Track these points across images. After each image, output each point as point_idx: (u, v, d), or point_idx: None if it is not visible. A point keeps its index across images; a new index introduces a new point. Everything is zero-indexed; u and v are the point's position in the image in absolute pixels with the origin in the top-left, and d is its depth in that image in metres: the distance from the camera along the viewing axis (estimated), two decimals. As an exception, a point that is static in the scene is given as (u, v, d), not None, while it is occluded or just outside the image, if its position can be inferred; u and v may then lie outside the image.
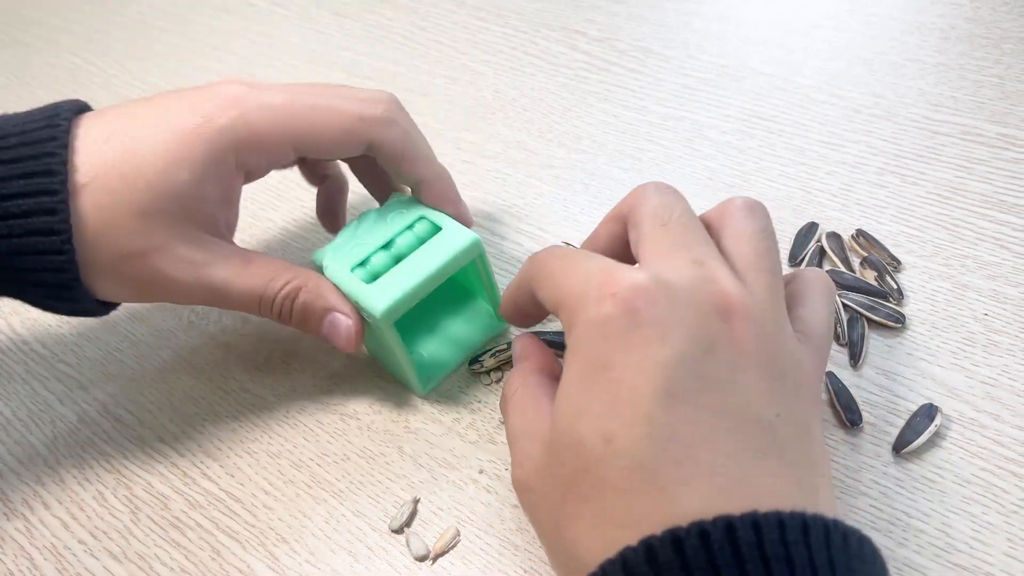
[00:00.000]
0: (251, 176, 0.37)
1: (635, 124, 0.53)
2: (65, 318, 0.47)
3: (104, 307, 0.37)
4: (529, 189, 0.50)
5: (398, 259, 0.36)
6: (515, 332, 0.42)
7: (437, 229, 0.37)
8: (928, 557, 0.31)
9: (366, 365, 0.41)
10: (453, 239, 0.36)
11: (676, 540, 0.22)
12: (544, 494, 0.28)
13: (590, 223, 0.47)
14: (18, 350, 0.46)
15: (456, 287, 0.43)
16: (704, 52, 0.57)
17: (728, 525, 0.22)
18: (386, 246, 0.37)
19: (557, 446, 0.27)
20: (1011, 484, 0.33)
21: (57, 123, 0.33)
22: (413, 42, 0.64)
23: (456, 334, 0.42)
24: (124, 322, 0.46)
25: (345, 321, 0.36)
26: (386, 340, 0.36)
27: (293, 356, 0.42)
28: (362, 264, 0.37)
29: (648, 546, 0.22)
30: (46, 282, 0.33)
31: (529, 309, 0.34)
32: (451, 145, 0.54)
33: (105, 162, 0.33)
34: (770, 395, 0.26)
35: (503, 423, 0.36)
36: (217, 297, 0.35)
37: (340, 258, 0.37)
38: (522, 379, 0.32)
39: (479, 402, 0.39)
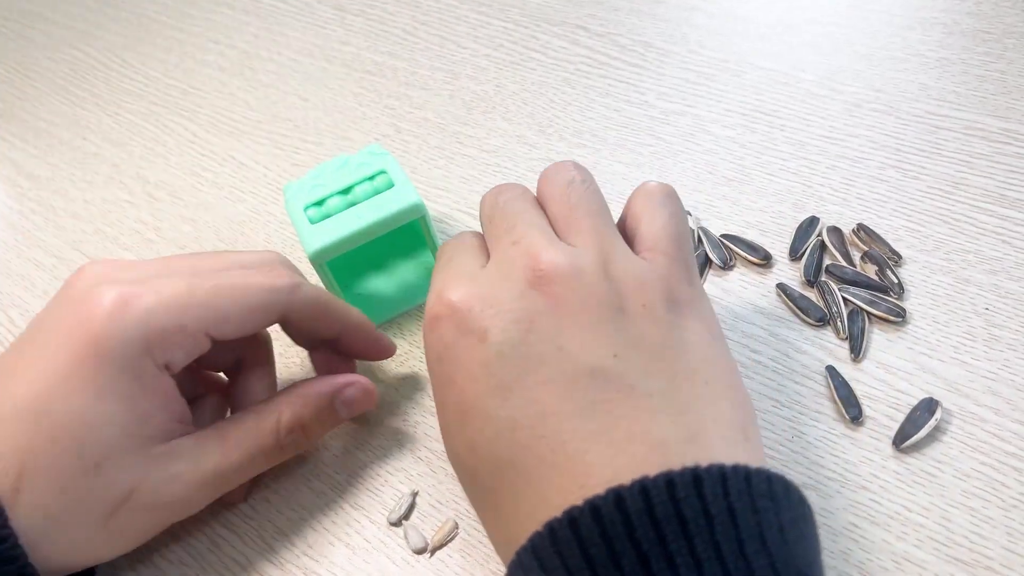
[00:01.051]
0: (172, 368, 0.30)
1: (636, 119, 0.53)
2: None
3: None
4: (530, 183, 0.50)
5: (352, 205, 0.39)
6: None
7: (392, 185, 0.40)
8: (928, 551, 0.31)
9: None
10: (399, 197, 0.39)
11: (551, 530, 0.23)
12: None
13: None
14: (18, 343, 0.46)
15: (416, 240, 0.45)
16: (705, 47, 0.57)
17: (592, 508, 0.22)
18: (344, 191, 0.40)
19: (451, 457, 0.30)
20: (1011, 478, 0.33)
21: None
22: (414, 36, 0.64)
23: (403, 283, 0.45)
24: (124, 315, 0.46)
25: (351, 391, 0.35)
26: (325, 278, 0.40)
27: (290, 347, 0.42)
28: (318, 204, 0.40)
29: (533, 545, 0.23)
30: None
31: None
32: (452, 139, 0.54)
33: (24, 444, 0.28)
34: (603, 339, 0.26)
35: None
36: (221, 483, 0.32)
37: (301, 194, 0.40)
38: None
39: (478, 395, 0.39)
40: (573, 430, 0.24)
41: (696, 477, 0.22)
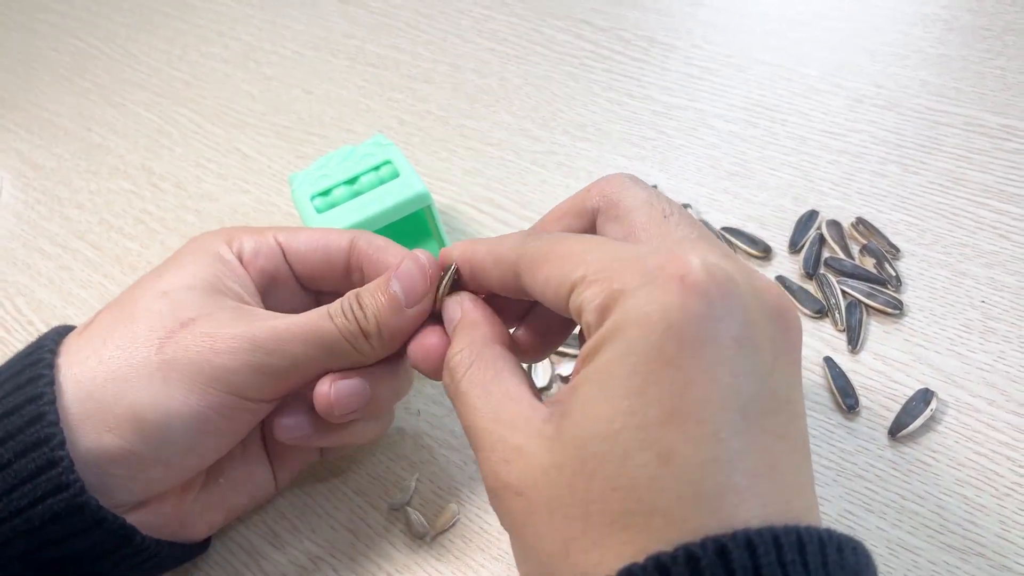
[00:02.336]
0: (244, 257, 0.33)
1: (639, 113, 0.53)
2: (69, 299, 0.48)
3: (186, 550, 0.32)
4: (532, 176, 0.50)
5: (357, 195, 0.40)
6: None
7: (397, 175, 0.40)
8: (922, 538, 0.32)
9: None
10: (404, 187, 0.39)
11: (692, 557, 0.19)
12: (549, 506, 0.22)
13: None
14: (23, 330, 0.46)
15: (422, 231, 0.45)
16: (709, 42, 0.57)
17: (774, 539, 0.19)
18: (350, 181, 0.40)
19: (583, 453, 0.21)
20: (1005, 467, 0.33)
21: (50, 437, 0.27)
22: (417, 29, 0.64)
23: None
24: (129, 303, 0.47)
25: (406, 263, 0.30)
26: None
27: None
28: (324, 193, 0.40)
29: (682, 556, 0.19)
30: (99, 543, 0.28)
31: (488, 285, 0.29)
32: (455, 132, 0.54)
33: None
34: (804, 408, 0.23)
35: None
36: (276, 347, 0.29)
37: (307, 184, 0.41)
38: (474, 351, 0.27)
39: (480, 384, 0.39)
40: (780, 496, 0.21)
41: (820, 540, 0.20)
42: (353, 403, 0.30)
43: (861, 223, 0.43)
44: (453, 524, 0.35)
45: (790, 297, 0.24)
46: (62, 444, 0.26)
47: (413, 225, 0.44)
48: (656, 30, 0.59)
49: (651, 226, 0.26)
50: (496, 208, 0.48)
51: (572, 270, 0.24)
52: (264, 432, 0.34)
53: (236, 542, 0.35)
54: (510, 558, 0.33)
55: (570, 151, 0.51)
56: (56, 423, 0.26)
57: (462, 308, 0.29)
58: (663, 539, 0.20)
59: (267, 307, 0.33)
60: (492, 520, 0.34)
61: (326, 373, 0.30)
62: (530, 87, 0.57)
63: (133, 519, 0.28)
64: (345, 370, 0.30)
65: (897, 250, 0.42)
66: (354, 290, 0.30)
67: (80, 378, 0.28)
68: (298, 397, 0.32)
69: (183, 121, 0.60)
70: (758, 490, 0.20)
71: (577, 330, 0.35)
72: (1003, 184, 0.44)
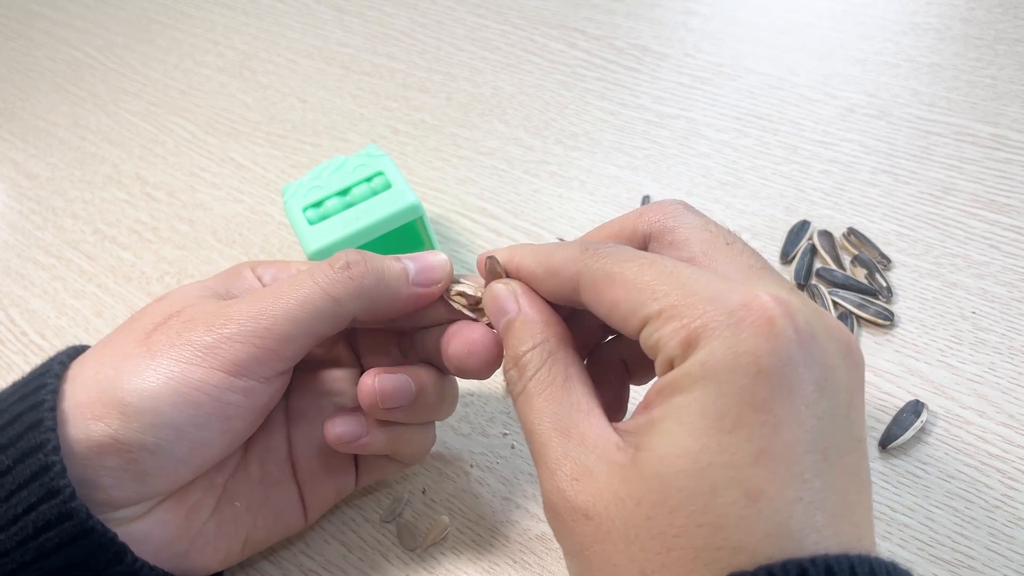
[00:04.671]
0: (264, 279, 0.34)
1: (632, 122, 0.53)
2: (63, 309, 0.48)
3: None
4: (525, 185, 0.50)
5: (350, 206, 0.40)
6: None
7: (390, 186, 0.40)
8: (912, 551, 0.32)
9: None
10: (396, 198, 0.40)
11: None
12: (624, 535, 0.22)
13: (585, 219, 0.47)
14: (17, 341, 0.46)
15: (414, 240, 0.45)
16: (701, 51, 0.58)
17: (851, 567, 0.20)
18: (343, 192, 0.41)
19: (665, 487, 0.22)
20: (994, 480, 0.33)
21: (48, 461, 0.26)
22: (412, 38, 0.64)
23: None
24: (123, 314, 0.47)
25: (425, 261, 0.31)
26: None
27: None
28: (316, 205, 0.41)
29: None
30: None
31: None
32: (448, 141, 0.54)
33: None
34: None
35: (515, 412, 0.30)
36: (271, 324, 0.28)
37: (300, 196, 0.41)
38: (546, 351, 0.26)
39: (471, 395, 0.39)
40: (855, 532, 0.22)
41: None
42: (397, 397, 0.30)
43: (852, 233, 0.43)
44: (445, 536, 0.35)
45: (850, 333, 0.24)
46: (56, 449, 0.26)
47: (406, 236, 0.44)
48: (648, 39, 0.59)
49: (714, 253, 0.26)
50: (489, 218, 0.48)
51: (645, 302, 0.24)
52: (292, 453, 0.33)
53: (228, 555, 0.35)
54: (501, 571, 0.33)
55: (563, 160, 0.51)
56: (52, 428, 0.26)
57: (519, 301, 0.28)
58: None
59: None
60: (484, 533, 0.35)
61: (311, 338, 0.29)
62: (523, 96, 0.57)
63: (138, 529, 0.28)
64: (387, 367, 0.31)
65: (888, 260, 0.42)
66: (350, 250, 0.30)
67: (77, 378, 0.28)
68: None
69: (177, 130, 0.60)
70: (836, 528, 0.21)
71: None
72: (994, 194, 0.44)
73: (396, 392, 0.30)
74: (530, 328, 0.27)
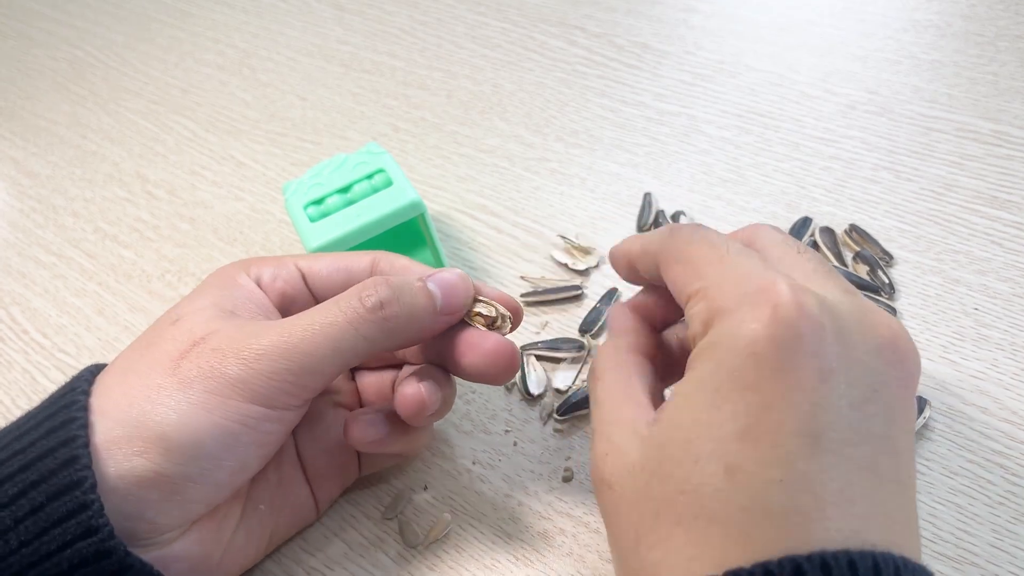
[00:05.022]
0: (263, 283, 0.33)
1: (632, 119, 0.53)
2: (64, 308, 0.48)
3: None
4: (526, 183, 0.50)
5: (350, 204, 0.40)
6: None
7: (391, 183, 0.40)
8: (914, 547, 0.32)
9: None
10: (397, 196, 0.39)
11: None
12: (630, 501, 0.24)
13: (586, 217, 0.47)
14: (18, 339, 0.46)
15: (416, 238, 0.45)
16: (701, 48, 0.58)
17: (850, 563, 0.20)
18: (343, 190, 0.41)
19: (662, 455, 0.23)
20: (997, 476, 0.33)
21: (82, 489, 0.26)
22: (412, 36, 0.64)
23: None
24: (124, 312, 0.47)
25: (443, 274, 0.31)
26: None
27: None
28: (317, 202, 0.40)
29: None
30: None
31: (641, 275, 0.30)
32: (449, 139, 0.54)
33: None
34: (912, 449, 0.24)
35: (588, 400, 0.32)
36: (300, 349, 0.28)
37: (300, 193, 0.41)
38: (615, 357, 0.29)
39: (473, 393, 0.39)
40: (853, 526, 0.21)
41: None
42: (437, 402, 0.31)
43: (854, 230, 0.43)
44: (446, 534, 0.35)
45: (908, 335, 0.24)
46: (93, 487, 0.26)
47: (407, 233, 0.44)
48: (649, 36, 0.59)
49: (784, 256, 0.27)
50: (490, 215, 0.48)
51: (691, 281, 0.26)
52: (300, 454, 0.34)
53: (230, 552, 0.35)
54: (503, 568, 0.33)
55: (563, 158, 0.51)
56: (88, 466, 0.26)
57: (617, 316, 0.31)
58: (720, 548, 0.21)
59: None
60: (486, 530, 0.34)
61: (341, 371, 0.30)
62: (523, 93, 0.57)
63: (178, 548, 0.29)
64: (417, 373, 0.31)
65: (890, 257, 0.42)
66: (375, 278, 0.30)
67: (106, 410, 0.28)
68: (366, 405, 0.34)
69: (178, 128, 0.60)
70: (824, 514, 0.21)
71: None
72: (995, 190, 0.44)
73: (435, 402, 0.31)
74: (612, 335, 0.31)
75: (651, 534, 0.23)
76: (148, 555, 0.28)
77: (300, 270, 0.34)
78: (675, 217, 0.46)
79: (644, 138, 0.52)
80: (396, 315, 0.29)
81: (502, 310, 0.32)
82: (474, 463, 0.37)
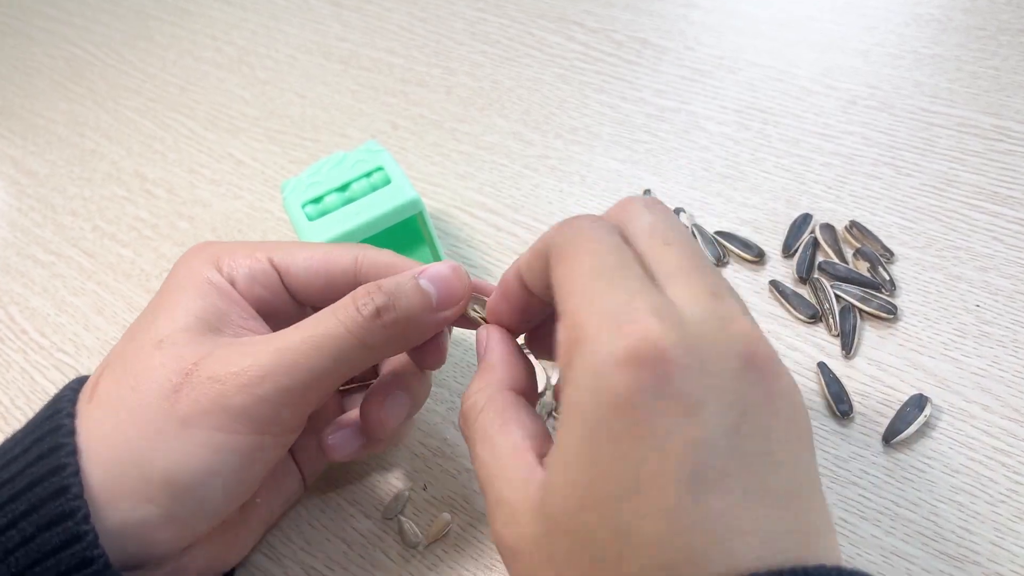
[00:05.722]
0: (239, 285, 0.31)
1: (631, 115, 0.53)
2: (63, 307, 0.48)
3: None
4: (525, 180, 0.50)
5: (349, 202, 0.40)
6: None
7: (389, 181, 0.40)
8: (916, 545, 0.32)
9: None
10: (396, 194, 0.39)
11: None
12: (538, 571, 0.23)
13: (586, 214, 0.47)
14: (17, 339, 0.46)
15: (414, 236, 0.45)
16: (701, 43, 0.57)
17: None
18: (342, 188, 0.40)
19: (556, 530, 0.22)
20: (999, 474, 0.33)
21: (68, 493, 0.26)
22: (411, 32, 0.64)
23: None
24: (123, 312, 0.47)
25: (436, 268, 0.30)
26: None
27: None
28: (315, 201, 0.40)
29: None
30: None
31: (529, 296, 0.28)
32: (448, 136, 0.54)
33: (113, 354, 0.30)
34: (801, 455, 0.23)
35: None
36: (294, 362, 0.28)
37: (299, 192, 0.41)
38: (486, 396, 0.28)
39: (473, 392, 0.39)
40: (760, 552, 0.21)
41: None
42: (401, 415, 0.31)
43: (855, 226, 0.43)
44: (446, 534, 0.35)
45: (765, 341, 0.23)
46: (86, 518, 0.25)
47: (405, 231, 0.44)
48: (648, 32, 0.59)
49: (648, 251, 0.25)
50: (489, 212, 0.48)
51: (562, 297, 0.24)
52: None
53: (229, 553, 0.35)
54: (503, 568, 0.33)
55: (563, 154, 0.51)
56: (80, 495, 0.25)
57: (489, 342, 0.30)
58: None
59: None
60: (485, 530, 0.34)
61: (342, 382, 0.30)
62: (522, 89, 0.56)
63: (186, 559, 0.29)
64: (383, 388, 0.32)
65: (891, 253, 0.41)
66: (367, 285, 0.29)
67: (103, 459, 0.27)
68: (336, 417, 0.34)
69: (176, 127, 0.59)
70: (723, 549, 0.20)
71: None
72: (997, 186, 0.44)
73: (399, 411, 0.31)
74: (478, 374, 0.29)
75: None
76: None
77: (276, 269, 0.32)
78: (675, 213, 0.45)
79: (643, 134, 0.51)
80: (395, 320, 0.29)
81: None
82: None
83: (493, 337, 0.30)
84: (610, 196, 0.48)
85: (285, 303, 0.32)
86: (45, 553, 0.25)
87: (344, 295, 0.29)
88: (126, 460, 0.27)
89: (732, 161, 0.48)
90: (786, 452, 0.22)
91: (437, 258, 0.43)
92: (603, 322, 0.22)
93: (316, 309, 0.31)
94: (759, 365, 0.22)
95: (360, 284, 0.30)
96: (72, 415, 0.28)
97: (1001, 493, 0.33)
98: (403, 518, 0.35)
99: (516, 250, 0.46)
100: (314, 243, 0.33)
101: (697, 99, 0.53)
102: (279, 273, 0.32)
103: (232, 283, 0.31)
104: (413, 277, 0.29)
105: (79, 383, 0.30)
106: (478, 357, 0.30)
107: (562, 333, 0.23)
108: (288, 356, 0.27)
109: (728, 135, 0.50)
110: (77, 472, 0.26)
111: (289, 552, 0.35)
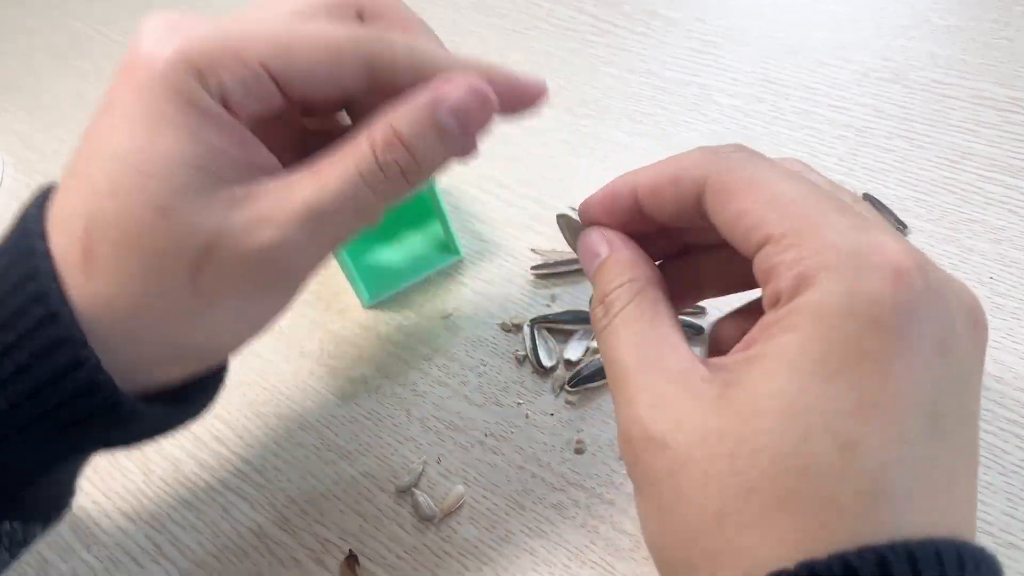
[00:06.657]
0: (233, 105, 0.25)
1: (641, 88, 0.52)
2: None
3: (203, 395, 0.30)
4: (535, 154, 0.50)
5: None
6: (469, 273, 0.42)
7: None
8: (929, 517, 0.32)
9: (373, 329, 0.42)
10: None
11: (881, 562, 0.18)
12: (704, 470, 0.21)
13: (595, 188, 0.47)
14: (28, 315, 0.46)
15: (425, 211, 0.45)
16: (711, 15, 0.57)
17: (936, 555, 0.19)
18: None
19: (752, 425, 0.20)
20: (1012, 445, 0.33)
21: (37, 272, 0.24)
22: (416, 5, 0.63)
23: (411, 254, 0.45)
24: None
25: (456, 93, 0.25)
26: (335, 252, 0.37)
27: (301, 318, 0.43)
28: None
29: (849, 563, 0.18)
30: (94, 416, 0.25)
31: (647, 214, 0.26)
32: (456, 110, 0.53)
33: (84, 203, 0.25)
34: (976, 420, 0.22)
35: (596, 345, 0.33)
36: (319, 223, 0.25)
37: None
38: (634, 289, 0.25)
39: (484, 365, 0.39)
40: (955, 510, 0.20)
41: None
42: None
43: (868, 199, 0.42)
44: (460, 506, 0.35)
45: (975, 296, 0.23)
46: (84, 343, 0.23)
47: (416, 207, 0.44)
48: (657, 3, 0.58)
49: (805, 199, 0.23)
50: (499, 187, 0.48)
51: (773, 219, 0.22)
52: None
53: (244, 524, 0.35)
54: (517, 539, 0.33)
55: (572, 128, 0.51)
56: (74, 322, 0.23)
57: (610, 243, 0.27)
58: (829, 531, 0.19)
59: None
60: (499, 502, 0.35)
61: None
62: (531, 63, 0.56)
63: None
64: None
65: (904, 226, 0.41)
66: (394, 125, 0.25)
67: (115, 326, 0.24)
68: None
69: (182, 102, 0.59)
70: (935, 503, 0.20)
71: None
72: (1011, 158, 0.43)
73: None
74: (619, 267, 0.26)
75: (740, 514, 0.20)
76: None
77: (274, 78, 0.25)
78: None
79: (653, 107, 0.51)
80: (418, 179, 0.26)
81: None
82: (487, 435, 0.37)
83: (616, 236, 0.27)
84: (621, 169, 0.47)
85: (276, 114, 0.26)
86: (44, 381, 0.23)
87: (348, 85, 0.26)
88: (152, 333, 0.25)
89: (744, 134, 0.48)
90: (978, 419, 0.22)
91: (448, 234, 0.43)
92: (852, 245, 0.21)
93: (305, 109, 0.29)
94: (981, 324, 0.22)
95: (374, 82, 0.26)
96: (53, 277, 0.24)
97: (1014, 464, 0.33)
98: (417, 491, 0.35)
99: (527, 225, 0.46)
100: (311, 33, 0.26)
101: (707, 71, 0.53)
102: (277, 84, 0.25)
103: (225, 103, 0.25)
104: (431, 110, 0.25)
105: (43, 199, 0.27)
106: (588, 259, 0.27)
107: (781, 260, 0.21)
108: (314, 223, 0.25)
109: (739, 107, 0.50)
110: (62, 300, 0.24)
111: (304, 525, 0.35)
